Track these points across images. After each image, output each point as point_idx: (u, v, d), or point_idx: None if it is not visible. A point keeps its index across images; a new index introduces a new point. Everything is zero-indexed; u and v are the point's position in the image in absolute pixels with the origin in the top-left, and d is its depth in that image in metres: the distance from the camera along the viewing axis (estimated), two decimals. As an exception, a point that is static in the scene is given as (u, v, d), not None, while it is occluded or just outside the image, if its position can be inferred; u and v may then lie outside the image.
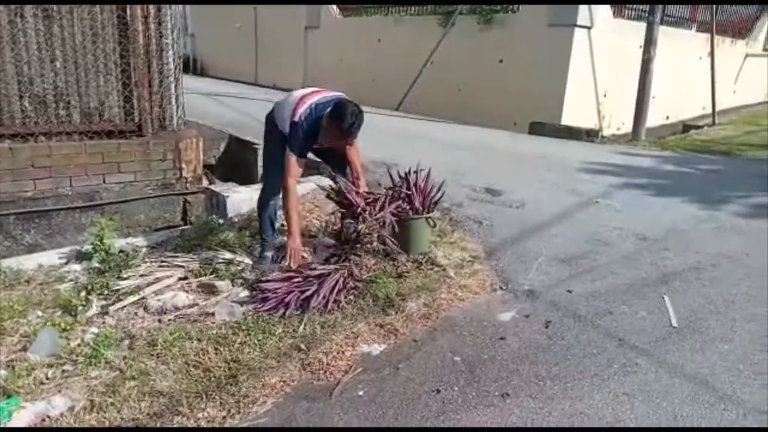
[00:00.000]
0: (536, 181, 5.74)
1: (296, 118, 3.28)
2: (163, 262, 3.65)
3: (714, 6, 10.84)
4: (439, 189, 3.92)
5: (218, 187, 4.91)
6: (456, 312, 3.13)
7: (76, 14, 4.64)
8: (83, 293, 3.21)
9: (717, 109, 11.22)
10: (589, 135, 8.42)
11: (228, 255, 3.68)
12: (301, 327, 2.85)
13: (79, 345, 2.68)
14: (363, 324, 2.92)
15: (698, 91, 12.07)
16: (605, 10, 9.63)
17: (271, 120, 3.62)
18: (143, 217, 5.01)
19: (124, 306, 3.09)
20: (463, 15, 10.55)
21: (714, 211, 4.90)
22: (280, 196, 3.53)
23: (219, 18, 16.82)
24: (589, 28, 9.33)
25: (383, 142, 6.98)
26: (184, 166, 5.22)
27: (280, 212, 3.74)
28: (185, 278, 3.43)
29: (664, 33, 9.45)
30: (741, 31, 14.00)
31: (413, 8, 12.29)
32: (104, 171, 4.78)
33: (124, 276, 3.39)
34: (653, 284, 3.47)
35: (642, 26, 10.02)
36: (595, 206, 5.00)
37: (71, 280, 3.44)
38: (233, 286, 3.32)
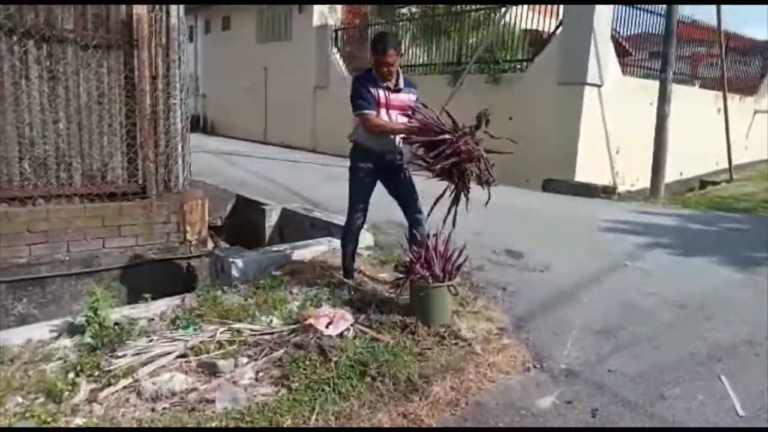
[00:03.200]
0: (558, 241, 5.45)
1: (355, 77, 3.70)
2: (161, 336, 3.34)
3: (723, 61, 10.82)
4: (460, 253, 3.64)
5: (224, 251, 4.65)
6: (487, 397, 2.77)
7: (83, 75, 4.54)
8: (71, 375, 2.89)
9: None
10: (606, 192, 8.19)
11: (234, 326, 3.37)
12: (313, 417, 2.50)
13: (59, 441, 2.35)
14: (383, 413, 2.57)
15: (710, 147, 11.93)
16: (614, 68, 9.64)
17: (352, 146, 3.82)
18: (144, 283, 4.73)
19: (116, 391, 2.76)
20: (471, 74, 10.57)
21: (751, 274, 4.57)
22: (362, 228, 3.94)
23: (229, 78, 17.10)
24: (599, 86, 9.29)
25: (390, 201, 6.75)
26: (188, 228, 5.00)
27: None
28: (184, 356, 3.10)
29: (673, 90, 9.37)
30: (748, 88, 14.04)
31: (420, 68, 12.41)
32: (104, 235, 4.56)
33: (119, 354, 3.07)
34: (705, 361, 3.11)
35: (649, 84, 10.03)
36: (623, 269, 4.68)
37: (60, 359, 3.11)
38: (236, 366, 2.99)
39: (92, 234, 4.47)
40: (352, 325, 3.35)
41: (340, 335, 3.25)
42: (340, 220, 5.29)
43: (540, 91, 9.57)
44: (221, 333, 3.30)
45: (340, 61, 13.91)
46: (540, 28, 10.32)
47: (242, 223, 6.12)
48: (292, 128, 14.99)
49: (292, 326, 3.40)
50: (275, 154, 12.47)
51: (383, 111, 3.62)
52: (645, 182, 10.03)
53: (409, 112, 3.66)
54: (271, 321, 3.54)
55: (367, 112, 3.56)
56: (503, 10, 10.42)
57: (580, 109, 9.14)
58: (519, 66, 10.25)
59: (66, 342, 3.34)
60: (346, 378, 2.77)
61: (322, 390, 2.69)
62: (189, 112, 5.26)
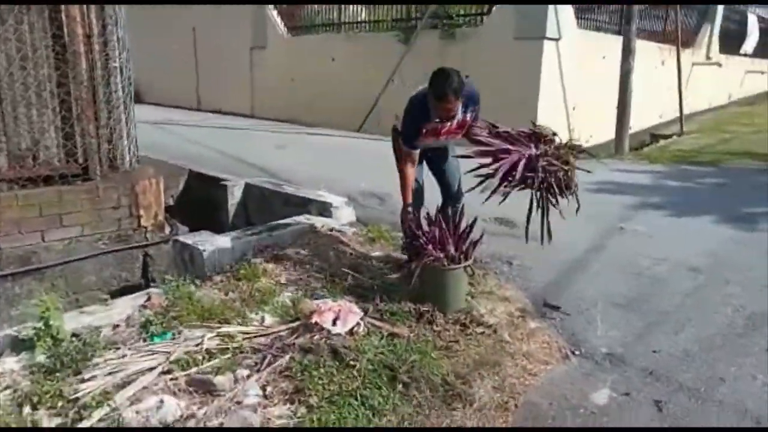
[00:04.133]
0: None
1: (413, 94, 3.30)
2: (134, 348, 2.79)
3: (677, 14, 10.87)
4: (472, 226, 3.27)
5: (190, 237, 4.04)
6: (536, 395, 2.45)
7: (-2, 34, 3.72)
8: (27, 409, 2.32)
9: (672, 117, 11.23)
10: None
11: (222, 330, 2.86)
12: (349, 442, 2.09)
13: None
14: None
15: (654, 100, 12.09)
16: (571, 21, 9.38)
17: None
18: (94, 278, 4.08)
19: (91, 426, 2.22)
20: (423, 30, 10.06)
21: (749, 231, 4.49)
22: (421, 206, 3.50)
23: (154, 41, 15.65)
24: (557, 40, 9.03)
25: (360, 168, 6.29)
26: (142, 212, 4.34)
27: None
28: (169, 371, 2.58)
29: (617, 42, 9.27)
30: (686, 41, 14.30)
31: (367, 25, 11.75)
32: (43, 226, 3.84)
33: (86, 376, 2.51)
34: (744, 333, 2.92)
35: (601, 37, 9.91)
36: (621, 233, 4.49)
37: (7, 387, 2.51)
38: (236, 381, 2.51)
39: (28, 226, 3.74)
40: (361, 318, 2.92)
41: (351, 332, 2.82)
42: (316, 195, 4.80)
43: (496, 47, 9.17)
44: (209, 339, 2.78)
45: (279, 19, 12.95)
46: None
47: (198, 201, 5.44)
48: (228, 93, 13.96)
49: (291, 324, 2.93)
50: (212, 121, 11.54)
51: (432, 139, 3.36)
52: (598, 138, 10.00)
53: (464, 130, 3.40)
54: (264, 319, 3.04)
55: (406, 149, 3.36)
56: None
57: (539, 65, 8.86)
58: (474, 21, 9.83)
59: (11, 363, 2.72)
60: (374, 387, 2.36)
61: (349, 404, 2.27)
62: (132, 77, 4.51)
